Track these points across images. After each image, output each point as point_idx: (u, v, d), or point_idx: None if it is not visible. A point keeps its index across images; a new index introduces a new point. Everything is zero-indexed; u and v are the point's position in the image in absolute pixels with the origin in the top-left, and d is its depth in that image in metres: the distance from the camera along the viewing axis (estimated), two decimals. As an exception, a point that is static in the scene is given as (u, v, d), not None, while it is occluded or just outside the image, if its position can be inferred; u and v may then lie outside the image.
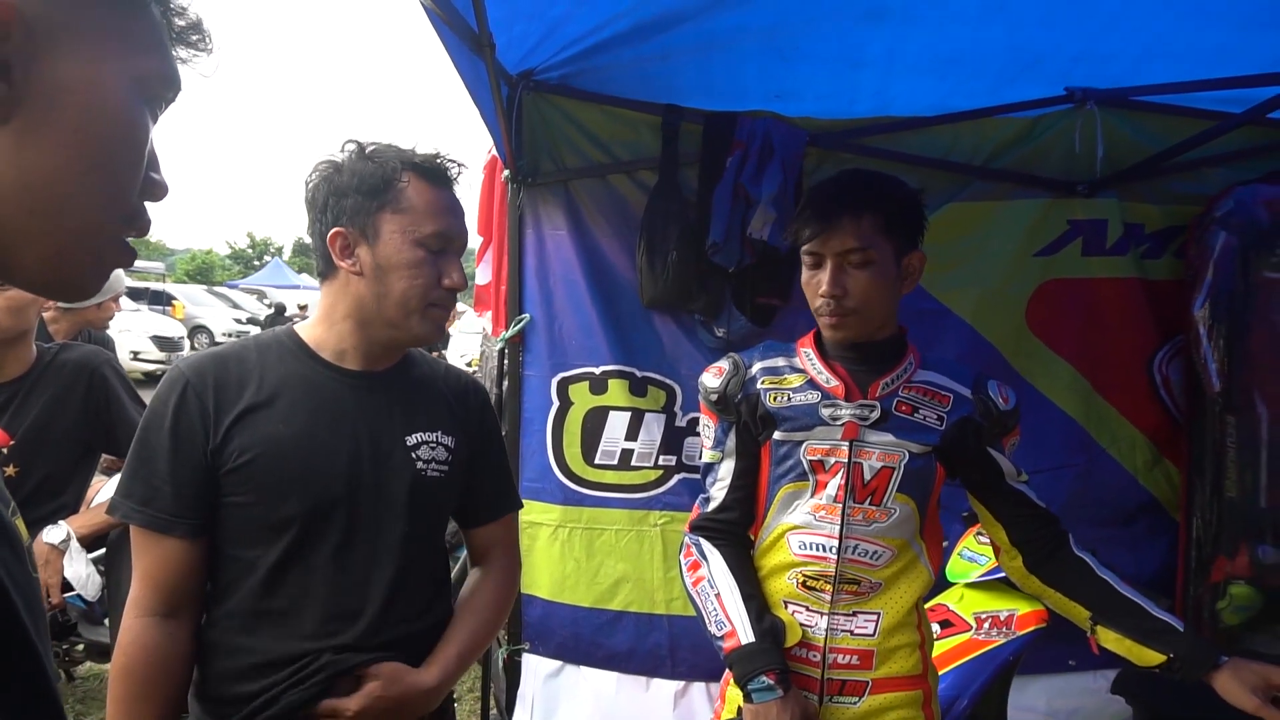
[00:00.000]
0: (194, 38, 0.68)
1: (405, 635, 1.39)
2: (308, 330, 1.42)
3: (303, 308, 18.83)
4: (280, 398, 1.34)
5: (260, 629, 1.32)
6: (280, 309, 20.26)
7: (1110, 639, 1.50)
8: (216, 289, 27.25)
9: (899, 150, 2.83)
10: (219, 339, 20.58)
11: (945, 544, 2.05)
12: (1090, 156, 2.77)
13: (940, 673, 1.97)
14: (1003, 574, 2.27)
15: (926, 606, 1.72)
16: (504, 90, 2.52)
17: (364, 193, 1.32)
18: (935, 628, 2.24)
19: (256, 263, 49.53)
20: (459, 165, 1.43)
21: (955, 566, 2.43)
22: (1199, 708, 1.95)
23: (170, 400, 1.30)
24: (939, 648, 2.25)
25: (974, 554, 2.42)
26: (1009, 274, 2.88)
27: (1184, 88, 2.55)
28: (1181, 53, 2.44)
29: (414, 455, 1.41)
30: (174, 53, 0.66)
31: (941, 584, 2.49)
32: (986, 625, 2.29)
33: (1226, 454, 2.67)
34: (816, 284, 1.50)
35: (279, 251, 53.27)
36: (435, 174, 1.37)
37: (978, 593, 2.36)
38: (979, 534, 2.45)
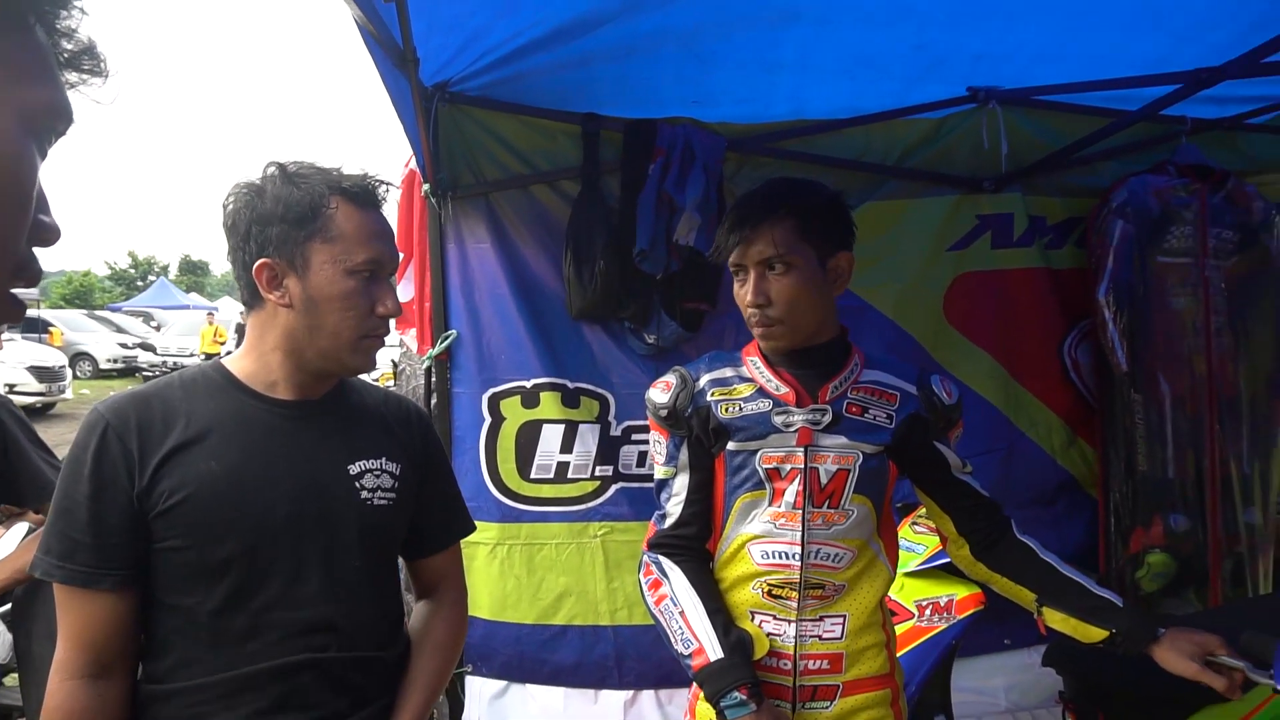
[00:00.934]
0: (86, 63, 0.61)
1: (372, 660, 1.35)
2: (236, 362, 1.35)
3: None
4: (211, 434, 1.26)
5: (208, 674, 1.24)
6: (242, 329, 19.35)
7: (1056, 619, 1.56)
8: (98, 313, 25.76)
9: (815, 153, 2.89)
10: (104, 366, 19.49)
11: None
12: (995, 153, 2.89)
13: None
14: (940, 561, 2.35)
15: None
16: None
17: (290, 221, 1.25)
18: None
19: (140, 283, 47.16)
20: (386, 185, 1.37)
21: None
22: (1120, 673, 2.06)
23: (89, 445, 1.21)
24: (883, 638, 2.30)
25: (911, 543, 2.48)
26: (925, 269, 2.98)
27: (1079, 87, 2.68)
28: (1075, 54, 2.56)
29: (358, 485, 1.36)
30: (64, 79, 0.59)
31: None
32: (928, 612, 2.35)
33: (1136, 430, 2.82)
34: (744, 295, 1.52)
35: (164, 270, 50.81)
36: (364, 197, 1.31)
37: (917, 581, 2.42)
38: (914, 523, 2.51)
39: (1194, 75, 2.30)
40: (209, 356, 14.22)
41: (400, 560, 1.54)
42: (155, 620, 1.26)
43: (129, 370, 19.81)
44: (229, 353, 1.53)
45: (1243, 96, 2.85)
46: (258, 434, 1.30)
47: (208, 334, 18.80)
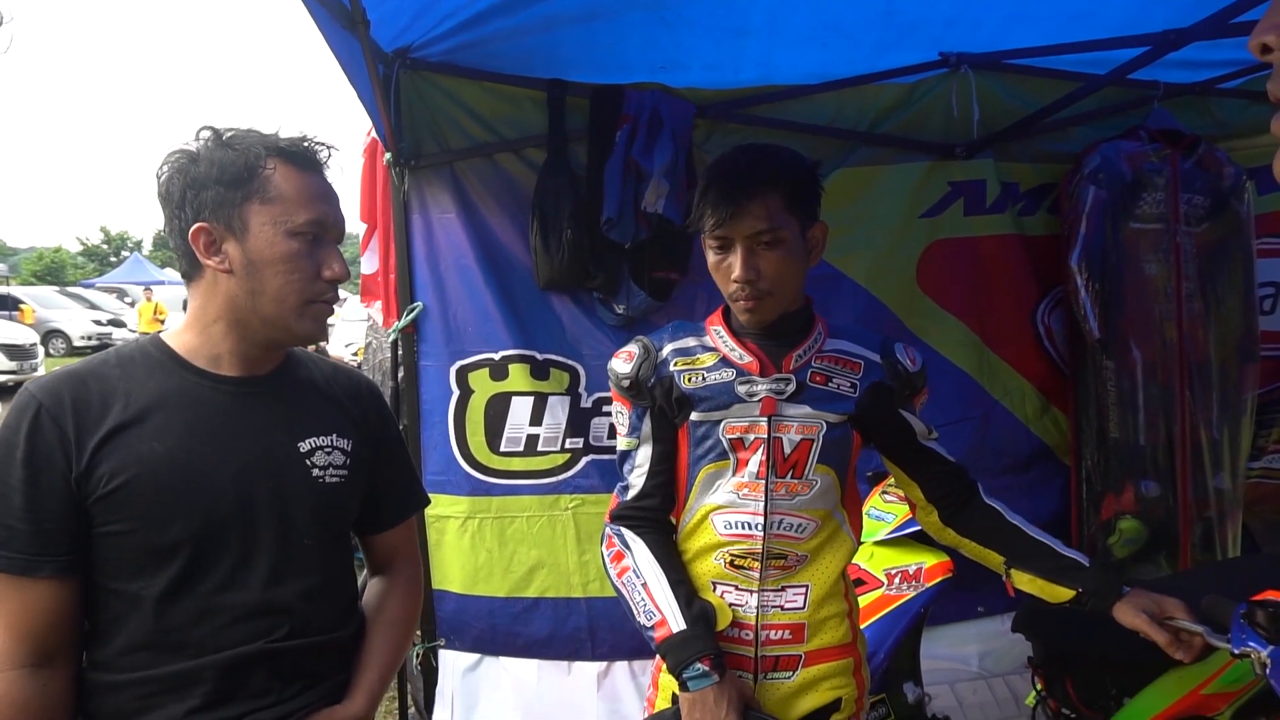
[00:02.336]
0: None
1: (326, 643, 1.32)
2: (176, 337, 1.30)
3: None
4: (152, 413, 1.22)
5: (157, 662, 1.21)
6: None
7: (1024, 580, 1.56)
8: (70, 289, 25.38)
9: (785, 119, 2.85)
10: (77, 343, 19.23)
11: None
12: (967, 119, 2.85)
13: (858, 631, 2.02)
14: (909, 530, 2.34)
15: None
16: (380, 69, 2.40)
17: (226, 183, 1.21)
18: (852, 589, 2.29)
19: (113, 259, 46.51)
20: (328, 148, 1.32)
21: (864, 526, 2.48)
22: (1088, 639, 2.07)
23: (21, 428, 1.16)
24: (853, 606, 2.31)
25: (881, 512, 2.47)
26: (898, 236, 2.95)
27: (1049, 50, 2.65)
28: (1045, 17, 2.53)
29: (309, 462, 1.32)
30: None
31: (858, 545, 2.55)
32: (897, 580, 2.35)
33: (1108, 397, 2.83)
34: (728, 269, 1.46)
35: (138, 246, 50.11)
36: (303, 159, 1.27)
37: (887, 549, 2.42)
38: (884, 492, 2.51)
39: (1162, 37, 2.27)
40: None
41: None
42: (99, 606, 1.22)
43: (104, 348, 19.48)
44: None
45: (1213, 61, 2.83)
46: (203, 412, 1.25)
47: (146, 311, 18.21)
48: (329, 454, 1.35)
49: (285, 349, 1.37)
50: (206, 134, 1.25)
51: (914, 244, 2.97)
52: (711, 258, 1.50)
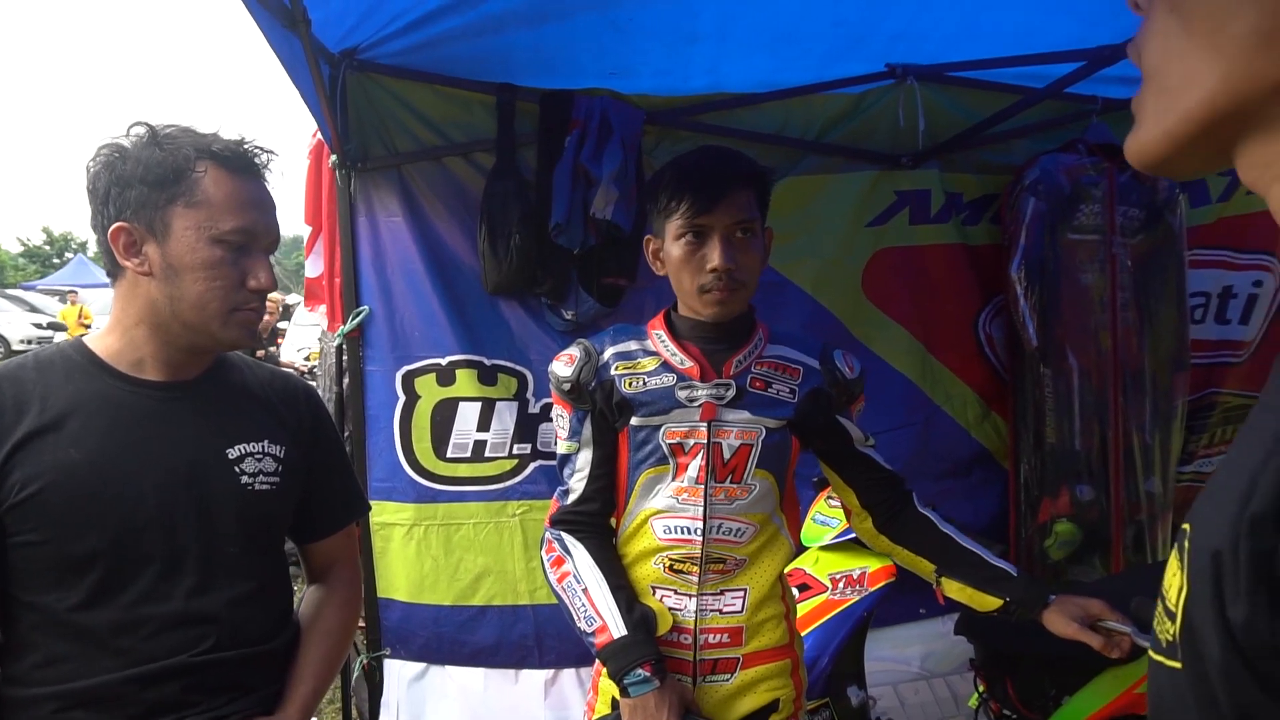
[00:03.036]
0: None
1: (255, 656, 1.29)
2: (99, 341, 1.27)
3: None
4: (69, 419, 1.19)
5: (76, 675, 1.18)
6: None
7: (953, 588, 1.59)
8: (9, 291, 24.60)
9: (734, 127, 2.87)
10: (16, 347, 18.64)
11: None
12: (912, 130, 2.91)
13: (801, 634, 2.03)
14: (854, 535, 2.37)
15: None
16: (325, 70, 2.37)
17: (151, 183, 1.18)
18: (794, 592, 2.31)
19: (56, 260, 45.19)
20: (268, 153, 1.29)
21: (809, 531, 2.51)
22: (1028, 641, 2.12)
23: None
24: (798, 611, 2.32)
25: (826, 518, 2.50)
26: (844, 245, 2.99)
27: (992, 64, 2.71)
28: (989, 32, 2.58)
29: (238, 469, 1.30)
30: None
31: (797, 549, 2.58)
32: (841, 585, 2.37)
33: (1045, 404, 2.89)
34: (701, 259, 1.45)
35: (82, 247, 48.72)
36: (238, 163, 1.24)
37: (831, 554, 2.45)
38: (829, 498, 2.53)
39: (1097, 52, 2.34)
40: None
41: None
42: (13, 618, 1.19)
43: (44, 351, 18.98)
44: None
45: (1149, 77, 2.91)
46: (124, 418, 1.22)
47: (70, 315, 17.74)
48: (259, 460, 1.32)
49: (214, 354, 1.34)
50: (140, 130, 1.22)
51: (860, 252, 3.01)
52: (679, 250, 1.47)
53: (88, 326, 17.02)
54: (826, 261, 2.96)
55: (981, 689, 2.35)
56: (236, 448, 1.30)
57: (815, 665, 2.27)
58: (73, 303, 18.44)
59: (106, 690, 1.18)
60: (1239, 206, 3.16)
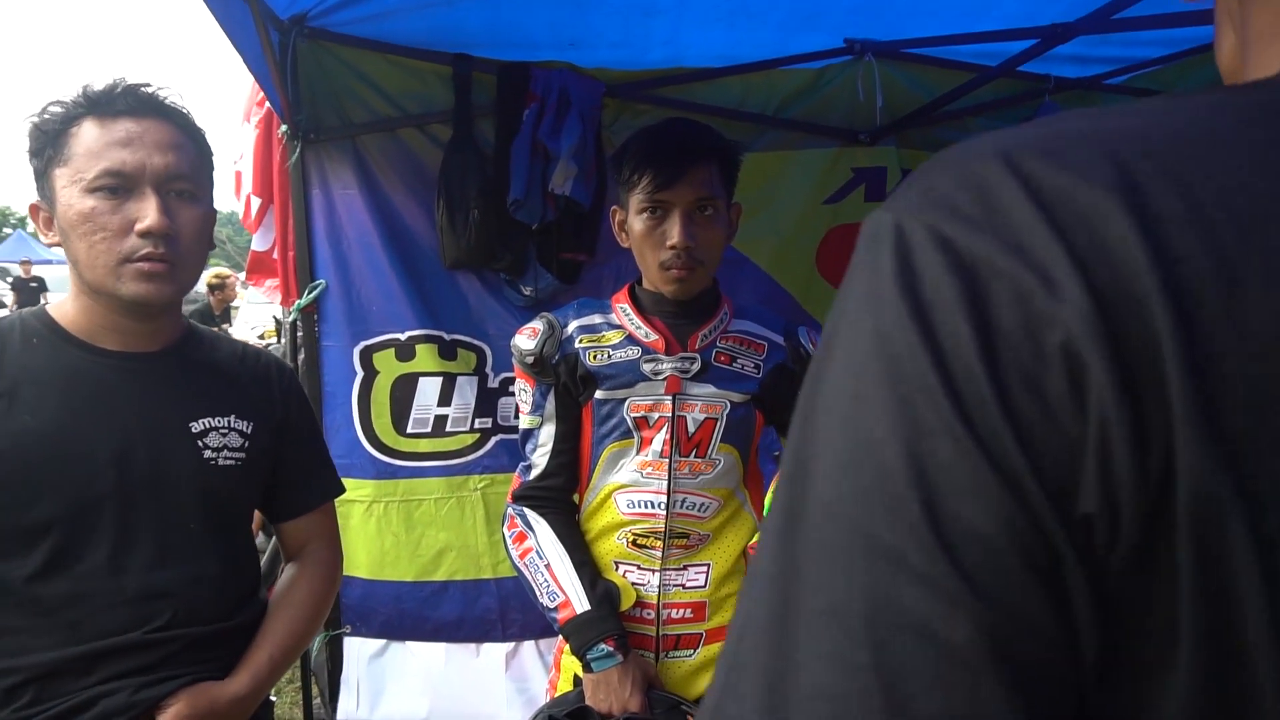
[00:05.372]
0: None
1: (212, 634, 1.28)
2: (59, 309, 1.25)
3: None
4: (23, 387, 1.17)
5: (26, 650, 1.16)
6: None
7: None
8: (-53, 267, 23.79)
9: (694, 101, 2.86)
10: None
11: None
12: (870, 106, 2.91)
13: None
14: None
15: (744, 548, 1.78)
16: (275, 37, 2.31)
17: (36, 154, 1.17)
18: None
19: (-6, 235, 43.73)
20: (149, 89, 1.22)
21: (770, 506, 2.54)
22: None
23: None
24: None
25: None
26: (801, 222, 3.00)
27: (947, 40, 2.73)
28: (944, 7, 2.59)
29: (201, 443, 1.28)
30: None
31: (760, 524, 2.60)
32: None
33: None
34: (661, 235, 1.45)
35: (21, 223, 47.17)
36: (107, 108, 1.18)
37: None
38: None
39: (1050, 30, 2.37)
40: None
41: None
42: None
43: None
44: None
45: (1101, 57, 2.95)
46: (82, 388, 1.20)
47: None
48: (224, 435, 1.30)
49: (163, 321, 1.30)
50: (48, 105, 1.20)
51: (815, 229, 3.02)
52: (641, 225, 1.47)
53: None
54: (784, 239, 2.98)
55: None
56: (200, 422, 1.28)
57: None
58: (26, 273, 17.92)
59: (57, 665, 1.16)
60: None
